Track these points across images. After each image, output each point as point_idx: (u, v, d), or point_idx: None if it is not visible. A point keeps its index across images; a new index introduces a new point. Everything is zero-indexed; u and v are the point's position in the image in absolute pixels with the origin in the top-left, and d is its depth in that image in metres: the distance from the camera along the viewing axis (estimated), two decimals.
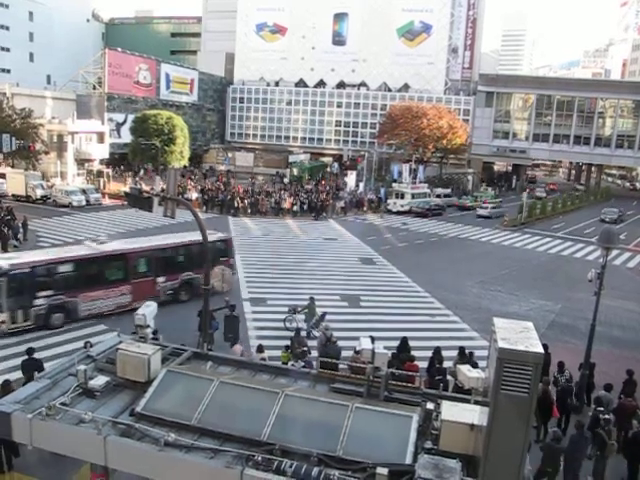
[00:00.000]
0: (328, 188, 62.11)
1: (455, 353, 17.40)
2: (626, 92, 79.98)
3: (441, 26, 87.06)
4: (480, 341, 20.34)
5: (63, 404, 8.86)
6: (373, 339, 16.25)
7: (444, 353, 17.41)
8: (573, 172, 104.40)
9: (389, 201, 56.12)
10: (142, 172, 61.60)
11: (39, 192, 47.89)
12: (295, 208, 50.46)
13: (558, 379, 16.45)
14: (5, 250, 30.81)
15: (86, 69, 74.22)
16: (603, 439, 13.15)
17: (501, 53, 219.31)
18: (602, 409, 14.21)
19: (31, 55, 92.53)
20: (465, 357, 16.96)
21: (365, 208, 54.93)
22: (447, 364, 16.76)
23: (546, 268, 35.49)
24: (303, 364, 15.70)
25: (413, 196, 56.05)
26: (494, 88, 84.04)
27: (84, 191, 49.58)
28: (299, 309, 21.68)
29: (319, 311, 21.39)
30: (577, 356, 17.66)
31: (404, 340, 17.96)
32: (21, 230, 33.90)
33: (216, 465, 7.83)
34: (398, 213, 54.04)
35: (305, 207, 51.04)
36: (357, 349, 16.29)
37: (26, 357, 14.83)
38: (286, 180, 69.72)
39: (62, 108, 63.90)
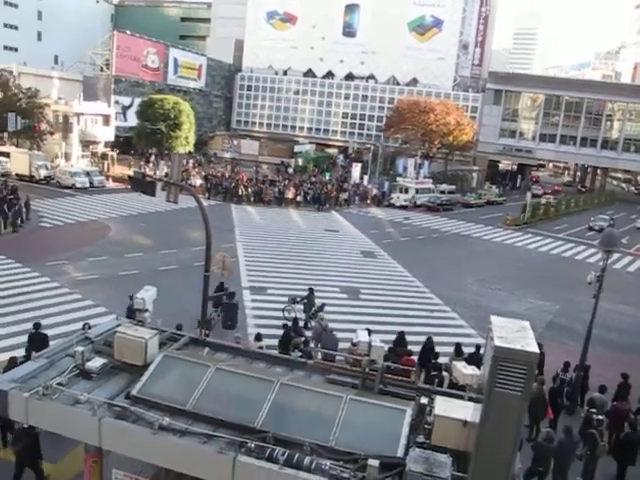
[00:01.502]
0: (333, 180, 62.07)
1: (451, 349, 17.51)
2: (636, 96, 79.49)
3: (452, 22, 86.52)
4: (477, 338, 20.38)
5: (60, 384, 8.93)
6: (370, 331, 16.53)
7: (440, 349, 17.51)
8: (578, 174, 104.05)
9: (392, 195, 56.08)
10: (153, 158, 61.17)
11: (43, 172, 47.90)
12: (299, 199, 50.46)
13: (558, 377, 16.51)
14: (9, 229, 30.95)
15: (94, 51, 73.97)
16: (595, 438, 13.22)
17: (512, 52, 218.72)
18: (595, 411, 14.27)
19: (39, 34, 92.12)
20: (462, 354, 17.12)
21: (369, 201, 54.93)
22: (443, 360, 16.83)
23: (546, 269, 35.49)
24: (300, 354, 15.77)
25: (417, 191, 56.05)
26: (503, 86, 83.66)
27: (88, 173, 49.63)
28: (298, 299, 21.73)
29: (318, 302, 21.45)
30: (572, 357, 17.70)
31: (401, 334, 18.03)
32: (24, 210, 33.86)
33: (209, 450, 7.89)
34: (401, 207, 53.99)
35: (309, 198, 51.04)
36: (354, 341, 16.47)
37: (33, 330, 15.60)
38: (290, 170, 69.55)
39: (68, 89, 63.74)
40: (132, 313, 13.54)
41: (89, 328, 13.04)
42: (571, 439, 12.83)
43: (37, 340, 14.93)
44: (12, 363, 13.30)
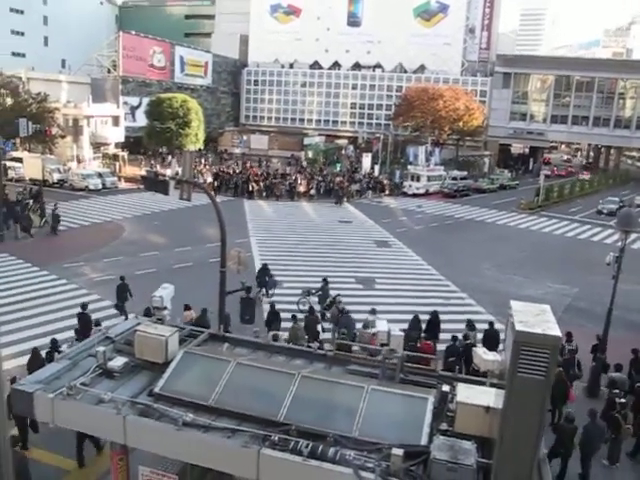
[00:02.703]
0: (345, 171, 61.86)
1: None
2: None
3: (458, 6, 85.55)
4: (497, 325, 20.28)
5: (83, 384, 9.04)
6: (375, 310, 17.10)
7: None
8: (591, 154, 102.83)
9: (405, 183, 55.87)
10: (170, 157, 60.90)
11: (56, 176, 48.20)
12: (312, 192, 50.27)
13: (565, 348, 16.40)
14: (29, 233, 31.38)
15: (100, 52, 74.22)
16: (618, 423, 13.13)
17: (519, 33, 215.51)
18: (617, 392, 14.16)
19: (45, 39, 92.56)
20: (474, 328, 17.89)
21: (387, 192, 54.61)
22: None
23: (563, 252, 35.17)
24: (318, 345, 15.84)
25: (429, 179, 55.86)
26: (512, 69, 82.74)
27: (100, 175, 49.90)
28: (313, 291, 21.76)
29: (333, 293, 21.45)
30: (592, 340, 17.61)
31: (415, 318, 18.22)
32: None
33: (233, 445, 7.95)
34: (414, 195, 53.77)
35: (322, 191, 50.87)
36: (365, 324, 16.89)
37: (80, 311, 17.29)
38: (304, 164, 69.00)
39: (77, 92, 64.07)
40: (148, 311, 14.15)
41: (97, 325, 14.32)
42: (596, 424, 12.70)
43: (83, 320, 16.87)
44: (35, 355, 14.12)
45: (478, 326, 18.36)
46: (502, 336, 15.83)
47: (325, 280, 21.84)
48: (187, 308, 17.77)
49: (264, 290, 23.22)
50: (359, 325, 17.47)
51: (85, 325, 16.81)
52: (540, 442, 7.06)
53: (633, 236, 34.77)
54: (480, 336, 17.78)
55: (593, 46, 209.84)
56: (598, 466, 13.25)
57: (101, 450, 12.23)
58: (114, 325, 12.42)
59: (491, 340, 17.05)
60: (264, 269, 23.41)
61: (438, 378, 9.75)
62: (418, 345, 16.31)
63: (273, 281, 23.49)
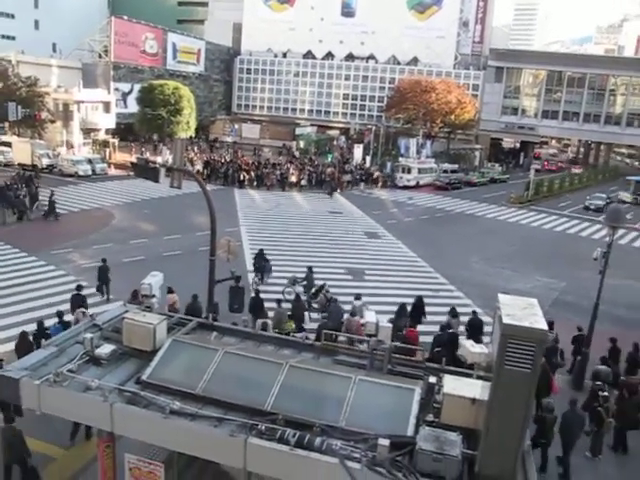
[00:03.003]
0: (335, 162, 61.75)
1: (460, 329, 17.72)
2: (639, 69, 78.64)
3: None
4: (483, 317, 20.39)
5: (70, 371, 9.01)
6: (359, 296, 17.36)
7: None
8: (582, 150, 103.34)
9: (396, 175, 55.90)
10: (161, 145, 60.11)
11: (45, 161, 47.80)
12: (303, 182, 50.11)
13: None
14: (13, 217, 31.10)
15: (92, 37, 73.37)
16: (601, 416, 13.29)
17: (512, 28, 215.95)
18: (600, 384, 14.32)
19: (36, 22, 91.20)
20: (457, 315, 18.30)
21: (380, 184, 54.51)
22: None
23: (552, 246, 35.41)
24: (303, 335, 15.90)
25: (420, 171, 55.95)
26: (504, 63, 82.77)
27: (90, 161, 49.50)
28: (299, 280, 21.83)
29: (320, 282, 21.44)
30: (575, 332, 17.82)
31: (402, 306, 18.53)
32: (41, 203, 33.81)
33: (220, 433, 7.96)
34: (405, 188, 53.79)
35: (313, 182, 50.71)
36: (352, 312, 17.44)
37: (75, 292, 17.80)
38: (297, 154, 68.58)
39: (68, 77, 63.40)
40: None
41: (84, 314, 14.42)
42: (575, 412, 12.89)
43: (77, 303, 17.32)
44: (23, 338, 14.19)
45: (465, 319, 18.51)
46: (488, 328, 15.93)
47: (310, 269, 21.87)
48: (170, 291, 17.67)
49: (260, 275, 23.62)
50: (348, 315, 17.57)
51: (78, 307, 17.05)
52: (525, 434, 7.13)
53: (621, 232, 35.10)
54: (463, 327, 18.05)
55: (585, 42, 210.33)
56: (581, 458, 13.44)
57: (90, 437, 12.21)
58: (103, 312, 12.37)
59: (474, 328, 17.59)
60: (260, 254, 23.86)
61: (425, 370, 9.80)
62: (404, 333, 16.55)
63: (269, 266, 23.86)
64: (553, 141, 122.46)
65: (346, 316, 17.56)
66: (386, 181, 55.40)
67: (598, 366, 15.72)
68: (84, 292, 20.80)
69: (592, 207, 48.52)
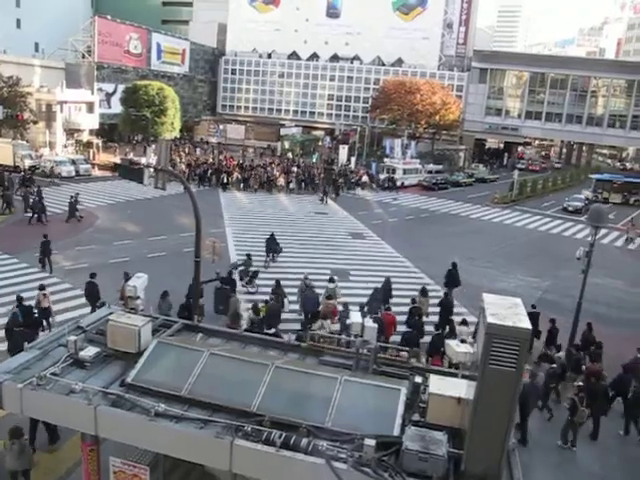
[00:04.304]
0: (319, 163, 61.57)
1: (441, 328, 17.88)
2: (619, 71, 79.73)
3: (436, 0, 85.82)
4: (468, 316, 20.51)
5: (54, 374, 8.91)
6: (333, 279, 19.78)
7: (430, 329, 18.04)
8: (564, 151, 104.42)
9: (380, 176, 55.96)
10: (145, 146, 59.08)
11: (28, 162, 47.18)
12: (292, 185, 49.17)
13: None
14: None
15: (75, 37, 72.59)
16: (575, 405, 13.70)
17: (496, 30, 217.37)
18: (555, 366, 15.69)
19: (18, 21, 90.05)
20: (427, 294, 19.96)
21: (373, 185, 54.20)
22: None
23: (535, 245, 35.71)
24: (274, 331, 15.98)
25: (404, 171, 56.12)
26: (488, 65, 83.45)
27: (74, 162, 49.02)
28: (239, 262, 23.07)
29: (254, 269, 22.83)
30: (562, 331, 18.06)
31: (375, 290, 19.87)
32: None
33: (206, 435, 7.92)
34: (390, 188, 53.82)
35: (302, 184, 50.11)
36: (328, 294, 18.77)
37: (89, 280, 18.48)
38: (290, 155, 67.94)
39: (51, 77, 62.66)
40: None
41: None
42: (533, 384, 13.98)
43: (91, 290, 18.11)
44: (10, 334, 14.53)
45: (452, 317, 18.66)
46: (473, 324, 16.07)
47: (248, 255, 23.22)
48: (127, 278, 16.09)
49: (272, 256, 26.68)
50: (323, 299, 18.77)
51: (92, 294, 18.12)
52: (510, 433, 7.18)
53: (603, 231, 35.49)
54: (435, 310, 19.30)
55: (568, 44, 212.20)
56: (556, 449, 14.02)
57: (56, 441, 12.09)
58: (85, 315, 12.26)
59: (445, 308, 18.95)
60: (272, 238, 26.84)
61: (411, 370, 9.84)
62: (380, 315, 17.35)
63: (280, 248, 27.09)
64: (536, 142, 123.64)
65: (321, 299, 18.69)
66: (377, 183, 55.13)
67: (557, 354, 16.74)
68: (68, 294, 20.71)
69: (570, 208, 48.45)
